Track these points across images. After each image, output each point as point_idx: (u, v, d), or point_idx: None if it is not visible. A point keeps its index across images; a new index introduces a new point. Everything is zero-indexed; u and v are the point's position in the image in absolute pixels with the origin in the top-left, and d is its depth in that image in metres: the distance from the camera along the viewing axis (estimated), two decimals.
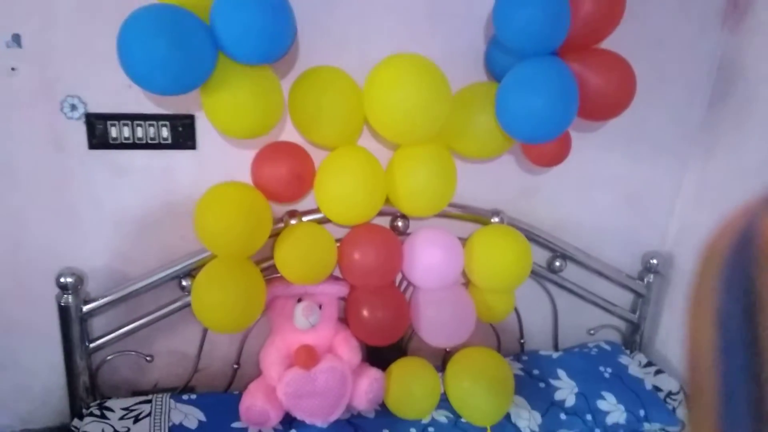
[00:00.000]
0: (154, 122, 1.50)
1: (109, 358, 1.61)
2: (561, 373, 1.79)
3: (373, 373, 1.60)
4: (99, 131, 1.47)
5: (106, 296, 1.53)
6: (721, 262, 0.40)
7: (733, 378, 0.38)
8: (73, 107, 1.44)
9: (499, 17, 1.37)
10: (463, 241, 1.70)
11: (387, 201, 1.59)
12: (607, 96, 1.49)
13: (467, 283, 1.76)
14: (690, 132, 1.86)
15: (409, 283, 1.71)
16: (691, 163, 1.89)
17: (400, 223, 1.70)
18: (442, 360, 1.85)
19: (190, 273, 1.57)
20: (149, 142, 1.50)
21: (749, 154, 1.68)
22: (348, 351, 1.57)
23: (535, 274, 1.82)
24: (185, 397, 1.60)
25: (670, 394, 1.80)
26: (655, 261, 1.93)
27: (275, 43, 1.26)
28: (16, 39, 1.37)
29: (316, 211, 1.59)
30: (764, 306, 0.36)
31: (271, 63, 1.33)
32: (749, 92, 1.68)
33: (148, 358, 1.63)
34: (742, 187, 1.69)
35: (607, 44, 1.49)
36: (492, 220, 1.72)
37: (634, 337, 2.02)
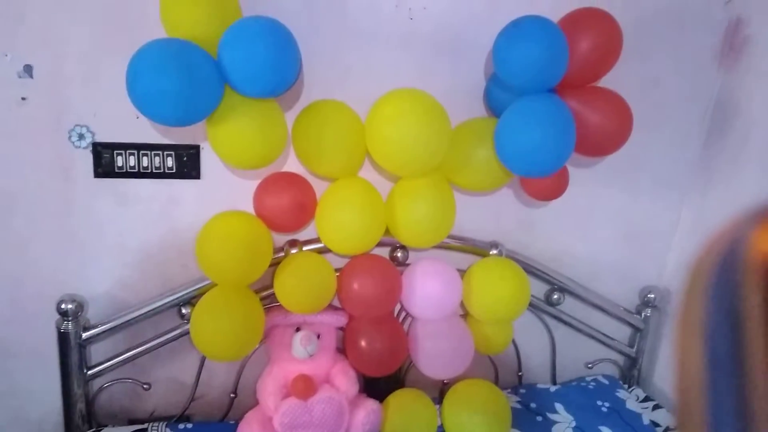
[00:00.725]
0: (160, 152, 1.52)
1: (106, 385, 1.61)
2: (558, 407, 1.79)
3: (370, 404, 1.59)
4: (105, 160, 1.50)
5: (105, 323, 1.55)
6: (708, 278, 0.41)
7: (721, 391, 0.39)
8: (81, 136, 1.47)
9: (499, 55, 1.40)
10: (462, 272, 1.71)
11: (387, 232, 1.61)
12: (604, 133, 1.52)
13: (465, 314, 1.76)
14: (687, 168, 1.89)
15: (408, 314, 1.72)
16: (688, 199, 1.91)
17: (399, 254, 1.72)
18: (439, 392, 1.84)
19: (190, 301, 1.58)
20: (154, 171, 1.53)
21: (745, 190, 1.70)
22: (345, 381, 1.57)
23: (533, 306, 1.83)
24: (181, 426, 1.60)
25: (667, 429, 1.79)
26: (652, 295, 1.94)
27: (281, 78, 1.29)
28: (28, 70, 1.41)
29: (317, 240, 1.61)
30: (750, 321, 0.37)
31: (276, 96, 1.36)
32: (744, 130, 1.72)
33: (145, 386, 1.63)
34: None
35: (605, 82, 1.52)
36: (490, 253, 1.74)
37: (632, 371, 2.02)
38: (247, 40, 1.25)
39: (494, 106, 1.61)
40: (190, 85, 1.21)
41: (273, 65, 1.26)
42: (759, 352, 0.37)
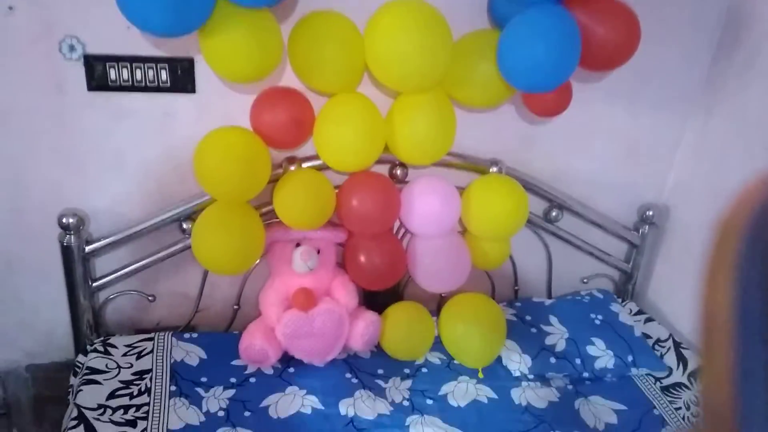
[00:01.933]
0: (153, 65, 1.49)
1: (112, 297, 1.65)
2: (553, 319, 1.84)
3: (369, 315, 1.64)
4: (98, 73, 1.46)
5: (108, 237, 1.57)
6: (740, 234, 0.40)
7: (751, 341, 0.39)
8: (72, 48, 1.43)
9: None
10: (461, 190, 1.71)
11: (386, 149, 1.60)
12: (610, 45, 1.47)
13: (464, 231, 1.78)
14: (694, 84, 1.84)
15: (407, 231, 1.74)
16: (692, 117, 1.88)
17: (398, 171, 1.71)
18: (437, 305, 1.89)
19: (191, 216, 1.59)
20: (148, 84, 1.50)
21: (750, 109, 1.67)
22: (345, 294, 1.61)
23: (531, 223, 1.84)
24: (187, 335, 1.66)
25: (658, 341, 1.85)
26: (651, 212, 1.95)
27: None
28: None
29: (315, 157, 1.60)
30: None
31: (271, 6, 1.31)
32: (753, 47, 1.66)
33: (150, 298, 1.68)
34: (741, 143, 1.69)
35: None
36: (490, 170, 1.73)
37: (626, 287, 2.06)
38: None
39: (498, 17, 1.55)
40: None
41: None
42: None
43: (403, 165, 1.71)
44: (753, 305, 0.39)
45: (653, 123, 1.88)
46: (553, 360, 1.71)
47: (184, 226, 1.60)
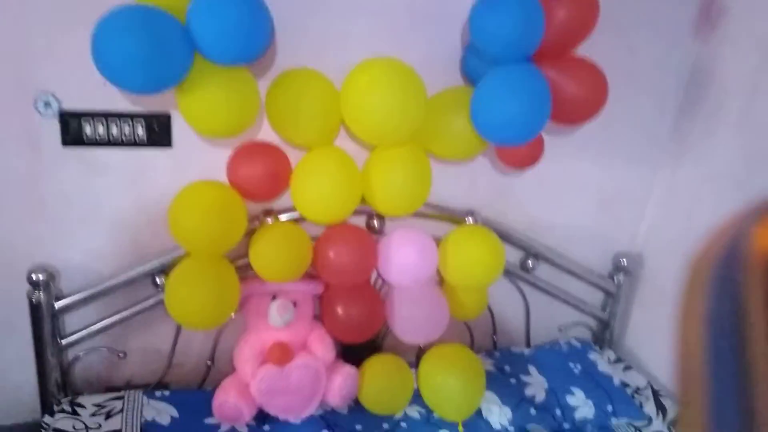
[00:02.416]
0: (130, 120, 1.49)
1: (81, 354, 1.60)
2: (532, 369, 1.83)
3: (347, 369, 1.62)
4: (73, 128, 1.46)
5: (78, 293, 1.53)
6: (710, 272, 0.41)
7: (722, 385, 0.39)
8: (47, 104, 1.42)
9: (475, 23, 1.39)
10: (438, 240, 1.72)
11: (363, 200, 1.61)
12: (580, 101, 1.52)
13: (441, 281, 1.78)
14: (661, 137, 1.90)
15: (384, 282, 1.73)
16: (661, 167, 1.93)
17: (375, 222, 1.72)
18: (416, 356, 1.87)
19: (164, 270, 1.57)
20: (124, 140, 1.50)
21: (717, 159, 1.72)
22: (322, 348, 1.58)
23: (508, 273, 1.86)
24: (158, 393, 1.61)
25: (637, 389, 1.84)
26: (625, 261, 1.97)
27: (251, 45, 1.26)
28: None
29: (292, 209, 1.60)
30: (752, 317, 0.37)
31: (248, 64, 1.33)
32: (718, 100, 1.72)
33: (121, 355, 1.63)
34: (710, 191, 1.74)
35: (581, 51, 1.51)
36: (466, 221, 1.75)
37: (604, 335, 2.07)
38: (217, 5, 1.21)
39: (471, 74, 1.59)
40: (157, 52, 1.18)
41: (243, 31, 1.24)
42: (761, 349, 0.37)
43: (379, 216, 1.72)
44: (723, 348, 0.39)
45: (624, 173, 1.93)
46: (533, 411, 1.70)
47: (158, 280, 1.58)
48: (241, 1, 1.22)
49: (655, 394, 1.79)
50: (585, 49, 1.50)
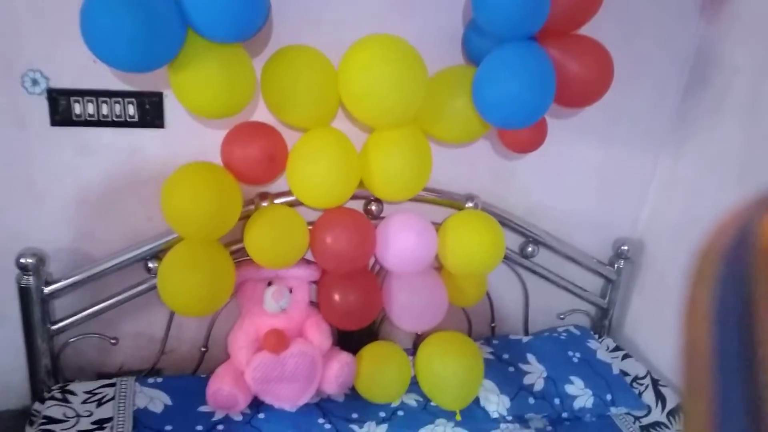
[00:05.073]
0: (120, 99, 1.44)
1: (72, 340, 1.57)
2: (530, 357, 1.81)
3: (344, 357, 1.59)
4: (62, 107, 1.41)
5: (69, 277, 1.50)
6: (718, 262, 0.40)
7: (729, 378, 0.38)
8: (35, 82, 1.38)
9: None
10: (437, 225, 1.69)
11: (361, 184, 1.57)
12: (585, 83, 1.48)
13: (440, 267, 1.75)
14: (665, 120, 1.86)
15: (382, 267, 1.70)
16: (665, 151, 1.90)
17: (373, 207, 1.68)
18: (413, 343, 1.85)
19: (157, 255, 1.53)
20: (115, 119, 1.45)
21: (722, 142, 1.69)
22: (318, 335, 1.55)
23: (507, 259, 1.82)
24: (151, 380, 1.58)
25: (636, 378, 1.82)
26: (626, 247, 1.94)
27: (247, 21, 1.21)
28: None
29: (288, 193, 1.56)
30: (760, 306, 0.36)
31: (243, 41, 1.29)
32: (724, 81, 1.69)
33: (112, 341, 1.60)
34: (714, 176, 1.70)
35: (585, 31, 1.47)
36: (466, 206, 1.71)
37: (603, 322, 2.05)
38: None
39: (473, 53, 1.55)
40: (148, 27, 1.13)
41: (239, 6, 1.18)
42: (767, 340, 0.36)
43: (378, 201, 1.68)
44: (730, 336, 0.38)
45: (626, 158, 1.89)
46: (531, 400, 1.67)
47: (150, 265, 1.53)
48: None
49: (655, 384, 1.77)
50: (589, 29, 1.45)
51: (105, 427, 1.41)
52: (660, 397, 1.73)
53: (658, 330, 1.91)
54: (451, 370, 1.62)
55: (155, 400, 1.52)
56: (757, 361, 0.36)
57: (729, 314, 0.38)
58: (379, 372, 1.62)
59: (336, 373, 1.55)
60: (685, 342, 0.42)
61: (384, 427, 1.57)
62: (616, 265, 1.97)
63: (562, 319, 2.04)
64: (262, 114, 1.53)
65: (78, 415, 1.43)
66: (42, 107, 1.40)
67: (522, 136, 1.55)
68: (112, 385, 1.53)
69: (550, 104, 1.41)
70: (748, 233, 0.38)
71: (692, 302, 0.42)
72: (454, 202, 1.72)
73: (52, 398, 1.46)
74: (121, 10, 1.11)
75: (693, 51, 1.78)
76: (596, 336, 1.99)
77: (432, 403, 1.67)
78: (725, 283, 0.39)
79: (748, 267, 0.37)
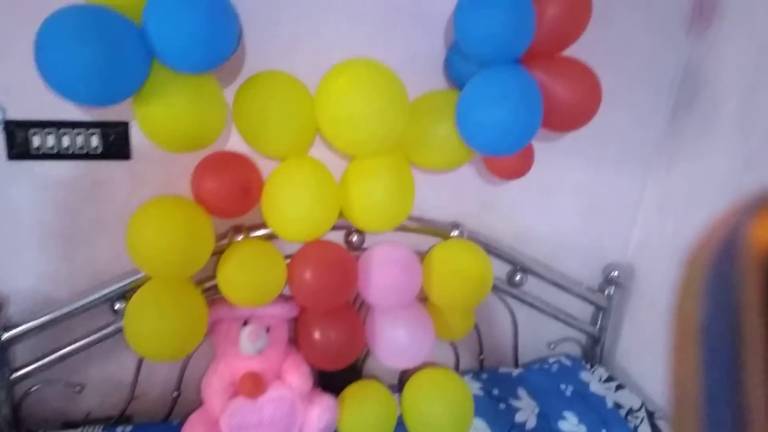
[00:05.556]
0: (83, 130, 1.35)
1: (34, 388, 1.46)
2: (521, 392, 1.73)
3: (325, 400, 1.49)
4: (20, 140, 1.33)
5: (30, 321, 1.39)
6: (704, 270, 0.40)
7: (716, 387, 0.37)
8: None
9: (461, 21, 1.28)
10: (422, 255, 1.61)
11: (341, 215, 1.49)
12: (572, 106, 1.42)
13: (425, 299, 1.67)
14: (653, 140, 1.81)
15: (365, 302, 1.61)
16: (653, 174, 1.85)
17: (355, 238, 1.60)
18: (399, 379, 1.76)
19: (125, 295, 1.43)
20: (77, 152, 1.36)
21: (712, 163, 1.63)
22: (298, 378, 1.46)
23: (495, 288, 1.75)
24: (120, 428, 1.47)
25: (631, 411, 1.75)
26: (616, 273, 1.88)
27: (215, 49, 1.14)
28: None
29: (264, 226, 1.48)
30: (749, 315, 0.36)
31: (212, 70, 1.21)
32: (714, 100, 1.64)
33: (77, 388, 1.49)
34: (704, 197, 1.65)
35: (571, 52, 1.41)
36: (451, 234, 1.64)
37: (594, 350, 1.98)
38: (176, 5, 1.09)
39: (456, 77, 1.49)
40: (109, 58, 1.05)
41: (206, 34, 1.11)
42: (758, 349, 0.35)
43: (359, 231, 1.60)
44: (718, 345, 0.38)
45: (614, 181, 1.84)
46: None
47: (117, 306, 1.44)
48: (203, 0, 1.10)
49: (650, 416, 1.70)
50: (576, 49, 1.40)
51: None
52: (656, 431, 1.66)
53: (651, 357, 1.85)
54: (440, 411, 1.54)
55: None
56: (746, 368, 0.35)
57: (717, 320, 0.38)
58: (363, 416, 1.53)
59: (318, 417, 1.46)
60: (672, 350, 0.42)
61: None
62: (606, 292, 1.91)
63: (553, 348, 1.97)
64: (235, 143, 1.45)
65: None
66: None
67: (508, 162, 1.49)
68: None
69: (537, 130, 1.34)
70: (735, 239, 0.38)
71: (680, 308, 0.42)
72: (439, 230, 1.65)
73: None
74: (79, 41, 1.03)
75: (681, 69, 1.74)
76: (588, 365, 1.92)
77: None
78: (713, 287, 0.39)
79: (737, 272, 0.37)
